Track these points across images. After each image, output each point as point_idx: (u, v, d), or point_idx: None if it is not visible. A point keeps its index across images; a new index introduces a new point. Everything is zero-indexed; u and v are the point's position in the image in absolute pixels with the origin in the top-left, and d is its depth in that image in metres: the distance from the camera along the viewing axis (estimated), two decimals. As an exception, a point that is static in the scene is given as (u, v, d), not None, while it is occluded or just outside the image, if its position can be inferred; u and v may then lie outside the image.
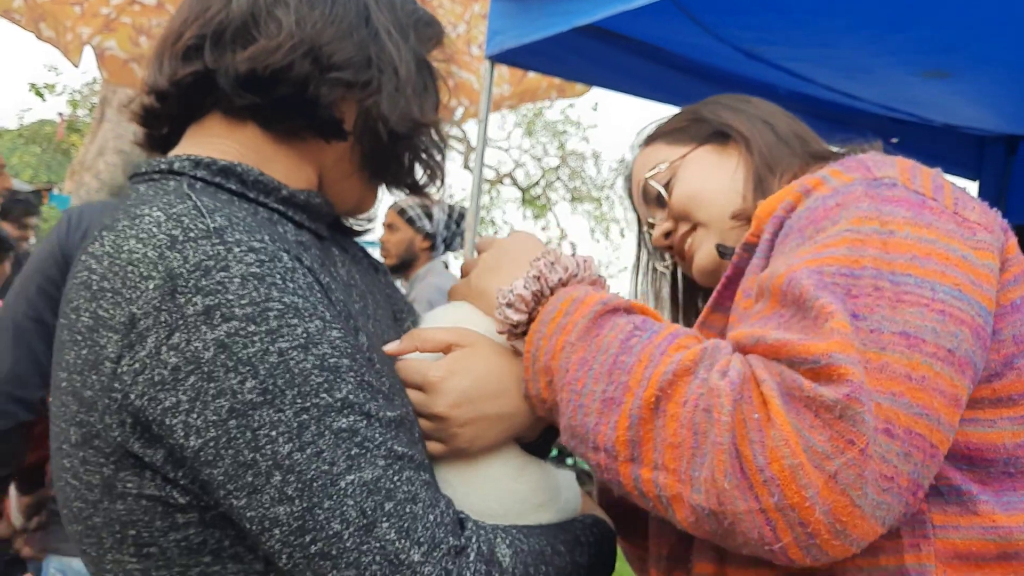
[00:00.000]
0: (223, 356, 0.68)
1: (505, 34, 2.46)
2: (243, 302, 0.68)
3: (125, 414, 0.70)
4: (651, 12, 2.12)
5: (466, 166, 14.84)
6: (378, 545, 0.69)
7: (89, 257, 0.74)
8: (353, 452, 0.70)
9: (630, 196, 1.24)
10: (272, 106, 0.83)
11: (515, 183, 15.96)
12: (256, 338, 0.68)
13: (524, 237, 0.98)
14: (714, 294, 0.94)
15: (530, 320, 0.85)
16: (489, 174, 15.83)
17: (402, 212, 3.31)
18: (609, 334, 0.78)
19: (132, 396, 0.69)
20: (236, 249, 0.70)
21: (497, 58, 2.56)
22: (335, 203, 0.94)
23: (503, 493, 0.88)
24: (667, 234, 1.12)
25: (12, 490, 2.24)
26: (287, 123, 0.85)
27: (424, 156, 0.93)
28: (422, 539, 0.71)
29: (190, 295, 0.68)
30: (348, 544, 0.69)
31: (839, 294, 0.71)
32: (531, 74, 3.94)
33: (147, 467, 0.71)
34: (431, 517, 0.72)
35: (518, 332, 0.86)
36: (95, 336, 0.71)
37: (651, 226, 1.17)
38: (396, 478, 0.72)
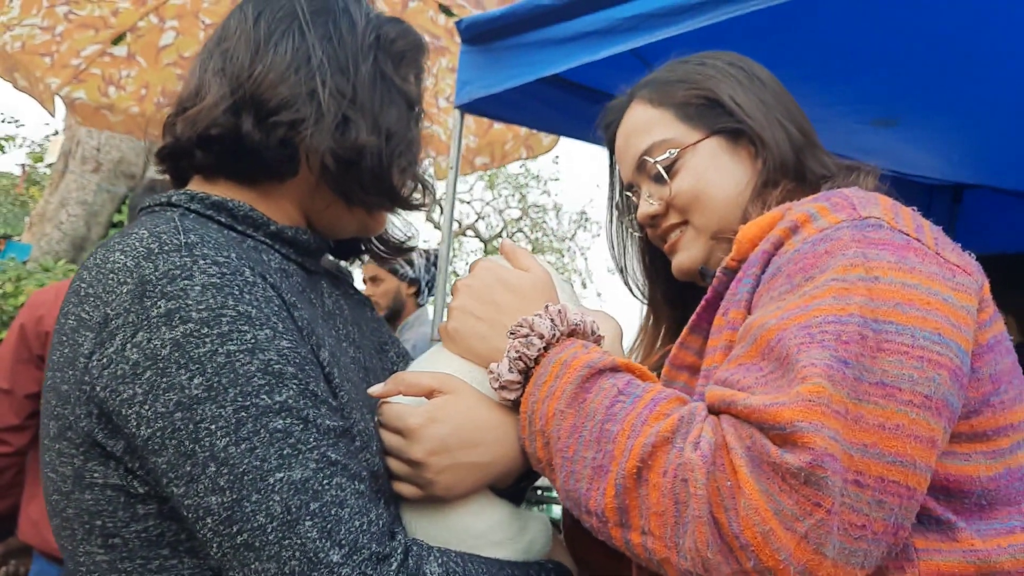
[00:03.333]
0: (177, 354, 0.73)
1: (474, 84, 2.54)
2: (200, 307, 0.74)
3: (92, 405, 0.76)
4: (611, 63, 2.22)
5: (428, 219, 14.94)
6: (299, 542, 0.72)
7: (82, 269, 0.82)
8: (285, 452, 0.74)
9: (611, 144, 1.20)
10: (225, 159, 0.91)
11: (477, 235, 16.11)
12: (208, 340, 0.74)
13: (485, 271, 0.98)
14: (693, 317, 0.97)
15: (521, 389, 0.88)
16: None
17: (382, 263, 3.35)
18: (595, 399, 0.81)
19: (98, 388, 0.75)
20: (201, 262, 0.76)
21: (466, 107, 2.64)
22: (334, 232, 1.01)
23: (459, 528, 0.89)
24: (654, 216, 1.11)
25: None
26: (244, 171, 0.92)
27: (396, 169, 0.96)
28: (343, 542, 0.74)
29: (156, 299, 0.74)
30: (271, 538, 0.72)
31: (828, 342, 0.74)
32: (497, 125, 4.04)
33: (111, 456, 0.77)
34: (356, 523, 0.76)
35: (515, 403, 0.89)
36: (75, 336, 0.77)
37: (631, 189, 1.15)
38: (326, 482, 0.75)
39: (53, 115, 3.98)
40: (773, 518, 0.68)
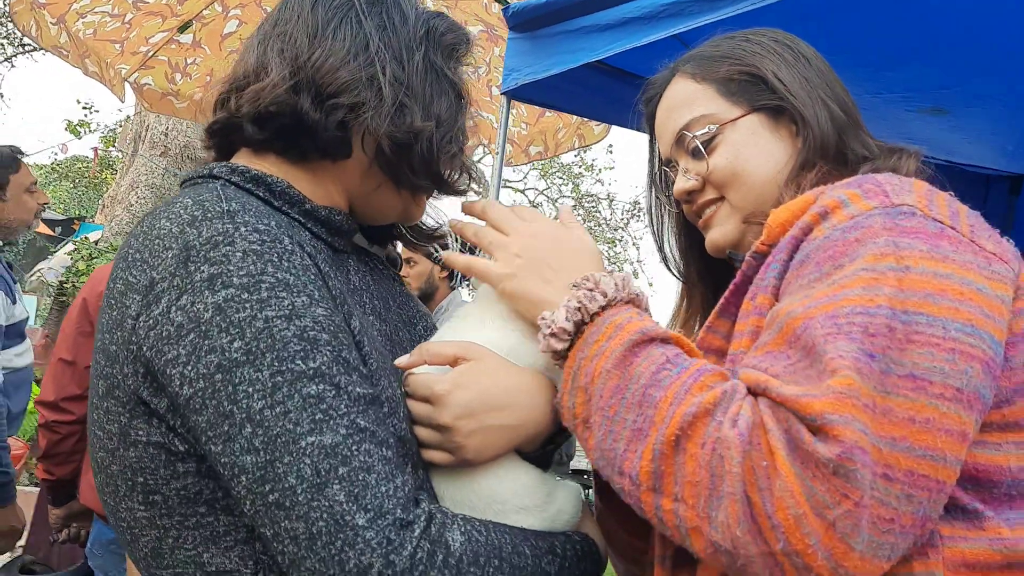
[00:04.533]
0: (218, 318, 0.78)
1: (520, 71, 2.59)
2: (241, 273, 0.79)
3: (138, 364, 0.81)
4: (657, 49, 2.23)
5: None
6: (327, 504, 0.76)
7: (131, 236, 0.87)
8: (317, 417, 0.78)
9: (651, 119, 1.19)
10: (280, 136, 0.96)
11: (530, 223, 16.09)
12: (247, 305, 0.78)
13: (553, 232, 0.99)
14: (721, 300, 0.97)
15: (571, 343, 0.89)
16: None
17: (417, 246, 3.43)
18: (642, 364, 0.82)
19: (144, 348, 0.80)
20: (243, 228, 0.81)
21: (512, 94, 2.69)
22: (377, 215, 1.06)
23: (485, 493, 0.92)
24: (690, 191, 1.10)
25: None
26: (297, 149, 0.97)
27: (444, 155, 1.01)
28: (369, 506, 0.76)
29: (199, 264, 0.79)
30: (300, 498, 0.76)
31: (856, 335, 0.74)
32: (548, 114, 4.09)
33: (154, 414, 0.81)
34: (383, 488, 0.78)
35: (559, 354, 0.90)
36: (123, 299, 0.82)
37: (669, 165, 1.15)
38: (355, 447, 0.79)
39: (123, 100, 4.15)
40: (806, 502, 0.69)
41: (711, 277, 1.22)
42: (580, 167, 15.45)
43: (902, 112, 2.80)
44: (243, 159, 0.99)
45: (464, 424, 0.89)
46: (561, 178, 15.77)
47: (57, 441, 2.53)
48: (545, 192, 16.16)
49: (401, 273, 3.68)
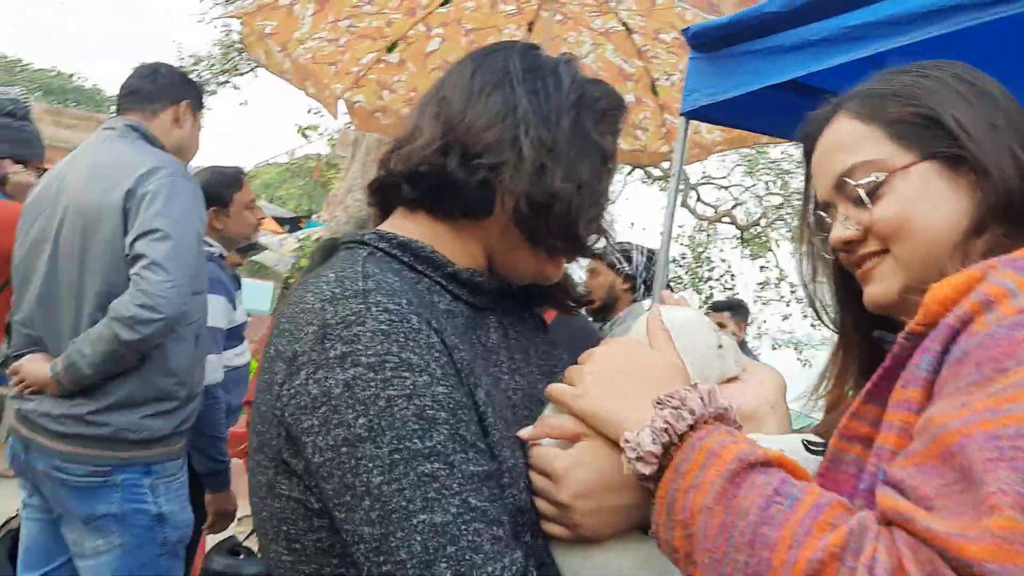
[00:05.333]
0: (347, 394, 0.84)
1: (700, 92, 2.56)
2: (369, 352, 0.85)
3: (281, 427, 0.89)
4: (850, 69, 2.13)
5: (684, 204, 14.79)
6: None
7: (284, 304, 0.97)
8: (430, 495, 0.82)
9: (808, 156, 1.09)
10: (429, 195, 1.03)
11: (733, 221, 15.61)
12: (372, 384, 0.84)
13: (627, 348, 0.97)
14: (869, 385, 0.88)
15: (660, 467, 0.83)
16: (707, 212, 15.64)
17: (601, 257, 3.49)
18: (747, 497, 0.75)
19: (286, 414, 0.88)
20: (374, 308, 0.87)
21: (692, 115, 2.66)
22: (514, 274, 1.10)
23: (602, 564, 0.91)
24: (849, 241, 1.00)
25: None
26: (444, 207, 1.04)
27: (583, 218, 1.03)
28: None
29: (333, 341, 0.86)
30: (410, 573, 0.81)
31: (1020, 463, 0.65)
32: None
33: (294, 473, 0.89)
34: (488, 568, 0.81)
35: (647, 478, 0.84)
36: (273, 365, 0.91)
37: (826, 208, 1.06)
38: (464, 527, 0.81)
39: (335, 118, 4.52)
40: None
41: (870, 328, 1.11)
42: (789, 162, 14.76)
43: None
44: (398, 216, 1.07)
45: (582, 504, 0.89)
46: (768, 173, 15.13)
47: None
48: (751, 189, 15.59)
49: (584, 284, 3.76)
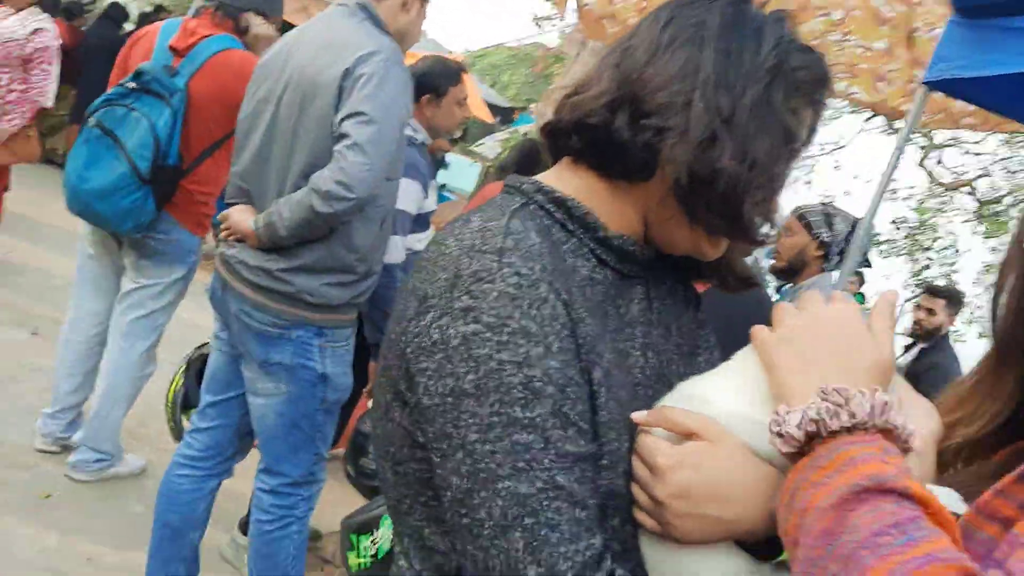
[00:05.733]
0: (463, 348, 0.85)
1: (949, 62, 2.29)
2: (491, 312, 0.85)
3: (402, 360, 0.92)
4: None
5: (921, 164, 13.51)
6: (505, 547, 0.82)
7: (431, 243, 0.98)
8: (519, 465, 0.82)
9: None
10: (592, 148, 0.99)
11: (973, 193, 14.09)
12: (488, 344, 0.84)
13: (845, 320, 0.90)
14: (1023, 466, 0.81)
15: (800, 452, 0.80)
16: (945, 177, 14.19)
17: (801, 216, 3.28)
18: (865, 516, 0.71)
19: (408, 350, 0.90)
20: (506, 270, 0.86)
21: (935, 85, 2.40)
22: (666, 245, 1.05)
23: (682, 566, 0.89)
24: None
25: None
26: (606, 165, 1.00)
27: (748, 200, 0.95)
28: (543, 562, 0.80)
29: (461, 293, 0.86)
30: (485, 532, 0.83)
31: None
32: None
33: (406, 404, 0.93)
34: (562, 548, 0.81)
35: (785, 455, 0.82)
36: (407, 298, 0.94)
37: None
38: (546, 503, 0.82)
39: (563, 18, 4.45)
40: None
41: None
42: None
43: None
44: (563, 167, 1.05)
45: (678, 505, 0.88)
46: (1031, 149, 13.43)
47: None
48: (1003, 161, 13.93)
49: (775, 242, 3.57)
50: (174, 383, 3.03)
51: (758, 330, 0.93)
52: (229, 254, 2.49)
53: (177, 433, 3.02)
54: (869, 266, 3.45)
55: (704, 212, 0.97)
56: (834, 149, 16.32)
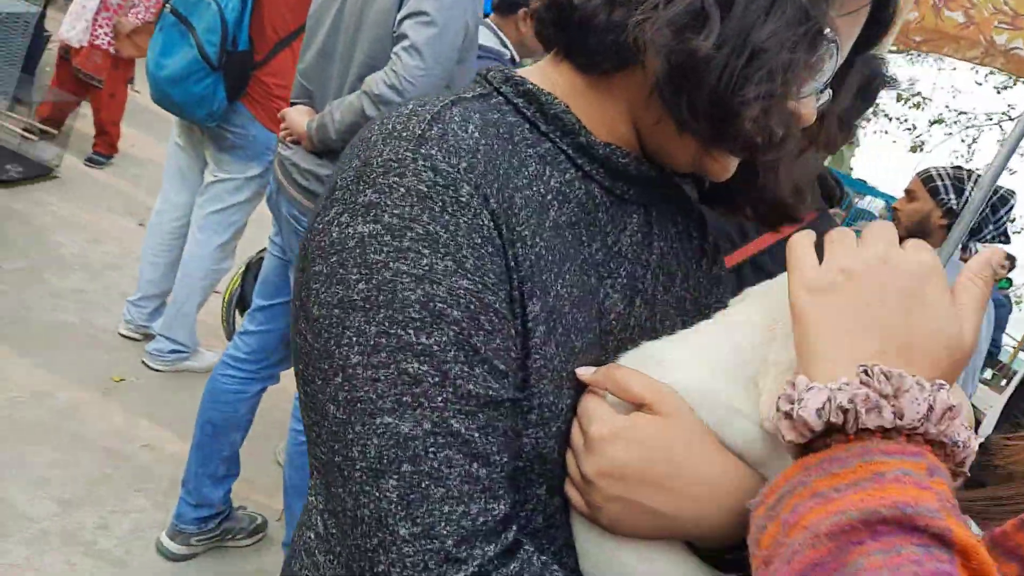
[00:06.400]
0: (358, 251, 0.69)
1: None
2: (395, 212, 0.68)
3: (303, 262, 0.76)
4: None
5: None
6: (377, 495, 0.67)
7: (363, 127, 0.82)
8: (404, 399, 0.67)
9: None
10: (564, 33, 0.80)
11: None
12: (386, 249, 0.68)
13: (921, 272, 0.63)
14: None
15: (807, 445, 0.60)
16: None
17: (927, 180, 2.88)
18: (872, 559, 0.51)
19: (308, 249, 0.75)
20: (421, 162, 0.70)
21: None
22: (665, 160, 0.84)
23: (617, 563, 0.74)
24: None
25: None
26: (580, 53, 0.80)
27: (738, 100, 0.70)
28: (418, 519, 0.66)
29: (366, 187, 0.70)
30: (356, 475, 0.68)
31: None
32: None
33: (306, 315, 0.76)
34: (444, 508, 0.66)
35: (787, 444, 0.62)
36: (323, 186, 0.79)
37: None
38: (432, 450, 0.66)
39: None
40: None
41: None
42: None
43: None
44: (547, 61, 0.86)
45: (607, 486, 0.71)
46: None
47: None
48: None
49: (896, 205, 3.18)
50: (232, 283, 3.02)
51: (797, 262, 0.68)
52: (284, 155, 2.40)
53: (228, 333, 3.02)
54: (1007, 242, 3.01)
55: (686, 113, 0.73)
56: (1001, 120, 14.83)
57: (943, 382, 0.58)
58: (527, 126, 0.80)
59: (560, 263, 0.76)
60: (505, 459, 0.70)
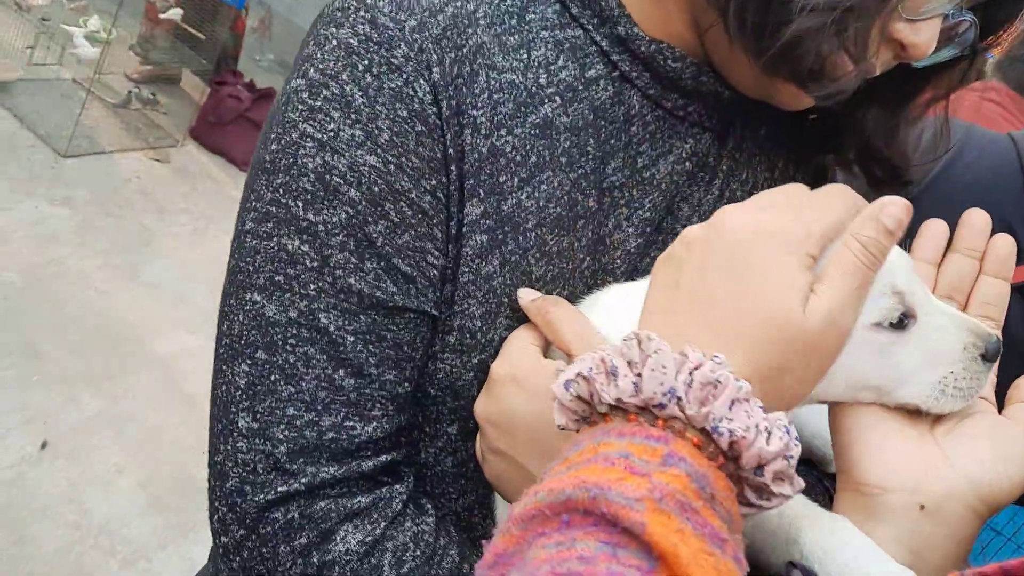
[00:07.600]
0: (283, 108, 0.62)
1: None
2: (320, 67, 0.60)
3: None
4: None
5: None
6: (230, 377, 0.61)
7: None
8: (277, 279, 0.59)
9: None
10: None
11: None
12: (300, 107, 0.60)
13: (756, 235, 0.49)
14: None
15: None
16: None
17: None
18: (545, 551, 0.40)
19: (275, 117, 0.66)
20: (362, 13, 0.60)
21: None
22: (730, 76, 0.68)
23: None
24: None
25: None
26: None
27: (785, 20, 0.57)
28: (259, 415, 0.59)
29: (310, 39, 0.63)
30: (220, 351, 0.62)
31: None
32: None
33: None
34: (289, 411, 0.59)
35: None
36: None
37: None
38: (292, 341, 0.59)
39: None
40: None
41: None
42: None
43: None
44: None
45: (492, 435, 0.62)
46: None
47: None
48: None
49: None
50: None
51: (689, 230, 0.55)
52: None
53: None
54: None
55: (735, 19, 0.60)
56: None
57: (720, 356, 0.45)
58: (556, 6, 0.67)
59: (535, 169, 0.64)
60: (390, 377, 0.62)
